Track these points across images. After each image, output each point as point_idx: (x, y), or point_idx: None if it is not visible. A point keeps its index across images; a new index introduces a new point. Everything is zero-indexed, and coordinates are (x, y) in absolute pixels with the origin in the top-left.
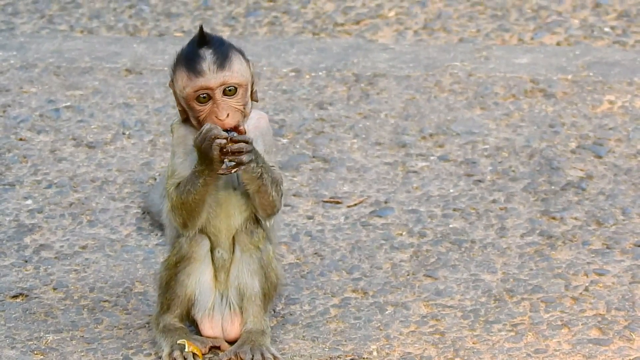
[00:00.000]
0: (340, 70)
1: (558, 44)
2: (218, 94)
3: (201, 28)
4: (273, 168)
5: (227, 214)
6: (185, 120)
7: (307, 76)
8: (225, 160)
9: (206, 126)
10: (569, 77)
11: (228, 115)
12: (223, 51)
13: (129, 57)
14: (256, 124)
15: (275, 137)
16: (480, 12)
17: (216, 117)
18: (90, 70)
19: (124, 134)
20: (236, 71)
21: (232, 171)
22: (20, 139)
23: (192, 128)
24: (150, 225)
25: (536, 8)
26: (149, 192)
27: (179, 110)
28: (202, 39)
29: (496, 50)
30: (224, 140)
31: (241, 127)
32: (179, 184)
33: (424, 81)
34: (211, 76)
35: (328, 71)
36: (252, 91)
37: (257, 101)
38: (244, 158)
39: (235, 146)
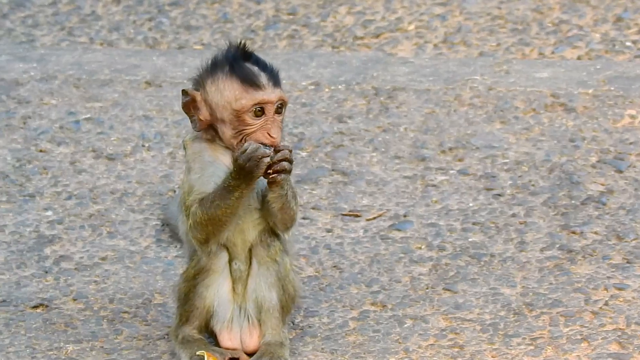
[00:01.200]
0: (360, 84)
1: (579, 58)
2: (273, 110)
3: (243, 44)
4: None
5: (241, 228)
6: (202, 133)
7: (327, 89)
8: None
9: (251, 145)
10: (590, 91)
11: (277, 134)
12: (272, 69)
13: (149, 70)
14: None
15: (295, 150)
16: (500, 26)
17: (268, 133)
18: (110, 82)
19: (143, 146)
20: (284, 90)
21: (278, 179)
22: (41, 151)
23: (206, 143)
24: (169, 237)
25: (557, 22)
26: (168, 205)
27: (199, 120)
28: (246, 54)
29: (516, 64)
30: (268, 159)
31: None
32: (202, 199)
33: (444, 95)
34: (271, 90)
35: (347, 84)
36: None
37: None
38: (286, 166)
39: (280, 155)
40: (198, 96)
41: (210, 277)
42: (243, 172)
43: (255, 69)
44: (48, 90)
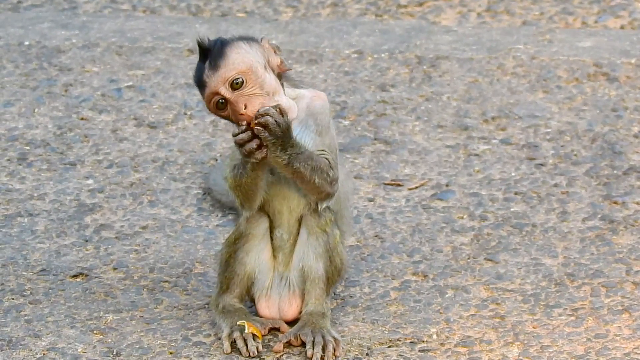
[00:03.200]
0: (403, 52)
1: (622, 27)
2: (227, 93)
3: (198, 43)
4: (321, 153)
5: (284, 195)
6: None
7: (370, 58)
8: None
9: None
10: (633, 61)
11: (245, 106)
12: (216, 52)
13: (191, 38)
14: (309, 104)
15: (337, 119)
16: None
17: (239, 114)
18: (152, 50)
19: (185, 114)
20: (232, 63)
21: (256, 154)
22: (82, 119)
23: None
24: (210, 206)
25: None
26: (210, 173)
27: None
28: (203, 52)
29: (559, 33)
30: (253, 144)
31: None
32: (235, 166)
33: (487, 64)
34: (211, 80)
35: (390, 53)
36: (276, 65)
37: (290, 69)
38: (266, 135)
39: (256, 121)
40: None
41: (250, 242)
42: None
43: (200, 67)
44: (90, 58)
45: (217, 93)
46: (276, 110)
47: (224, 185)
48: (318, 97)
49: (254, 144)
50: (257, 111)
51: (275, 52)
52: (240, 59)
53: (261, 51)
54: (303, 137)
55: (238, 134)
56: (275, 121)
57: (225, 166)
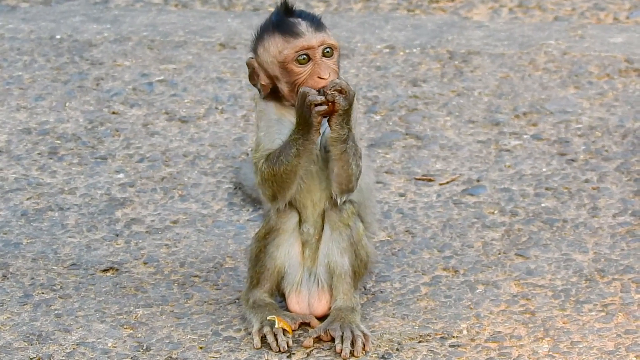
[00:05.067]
0: (435, 48)
1: None
2: (318, 54)
3: (284, 2)
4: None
5: (308, 188)
6: (267, 96)
7: (401, 53)
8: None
9: (303, 89)
10: None
11: (329, 74)
12: (313, 17)
13: (223, 32)
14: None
15: (368, 114)
16: None
17: (319, 76)
18: (184, 44)
19: (217, 108)
20: (330, 34)
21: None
22: (113, 113)
23: (273, 102)
24: (241, 201)
25: None
26: (242, 167)
27: (262, 86)
28: (287, 9)
29: (591, 29)
30: (324, 107)
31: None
32: (268, 155)
33: (518, 59)
34: (311, 36)
35: (422, 48)
36: None
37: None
38: (341, 100)
39: (330, 85)
40: (254, 62)
41: (280, 236)
42: (302, 121)
43: (296, 20)
44: (121, 52)
45: (310, 48)
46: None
47: (254, 178)
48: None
49: (325, 107)
50: (333, 80)
51: None
52: (333, 34)
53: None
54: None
55: (313, 95)
56: (348, 91)
57: (253, 159)
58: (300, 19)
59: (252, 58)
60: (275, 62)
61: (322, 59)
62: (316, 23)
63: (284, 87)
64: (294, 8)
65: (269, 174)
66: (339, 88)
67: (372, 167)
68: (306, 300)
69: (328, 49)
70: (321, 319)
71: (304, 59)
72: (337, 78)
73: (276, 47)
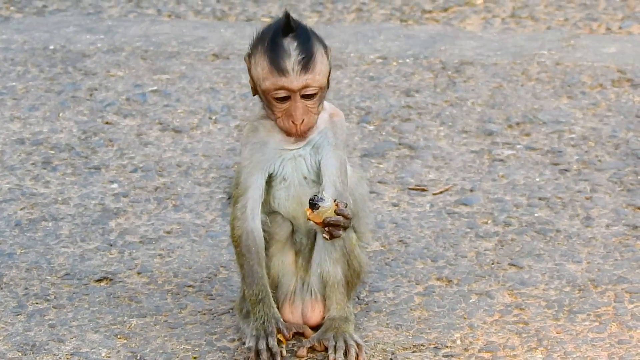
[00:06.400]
0: (428, 58)
1: None
2: (298, 95)
3: (287, 15)
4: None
5: (299, 201)
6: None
7: (394, 63)
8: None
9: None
10: None
11: (303, 120)
12: (308, 48)
13: (216, 42)
14: (329, 118)
15: (361, 124)
16: (568, 0)
17: (292, 121)
18: (177, 54)
19: (210, 118)
20: (318, 73)
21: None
22: (107, 123)
23: (264, 120)
24: None
25: None
26: (234, 177)
27: (252, 87)
28: (288, 27)
29: (584, 39)
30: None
31: (344, 211)
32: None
33: (511, 69)
34: (294, 78)
35: (415, 58)
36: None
37: (326, 88)
38: (340, 233)
39: (334, 219)
40: (248, 63)
41: (274, 247)
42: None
43: (287, 49)
44: (115, 62)
45: (291, 90)
46: (346, 214)
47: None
48: (337, 114)
49: (326, 236)
50: (328, 219)
51: (331, 67)
52: (323, 71)
53: (328, 62)
54: (321, 146)
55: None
56: (343, 226)
57: (233, 195)
58: (292, 48)
59: (248, 57)
60: (259, 85)
61: (301, 101)
62: (305, 61)
63: (265, 104)
64: (294, 25)
65: (233, 241)
66: (335, 225)
67: (366, 177)
68: (299, 309)
69: (311, 93)
70: (315, 328)
71: (282, 97)
72: (317, 114)
73: (262, 71)
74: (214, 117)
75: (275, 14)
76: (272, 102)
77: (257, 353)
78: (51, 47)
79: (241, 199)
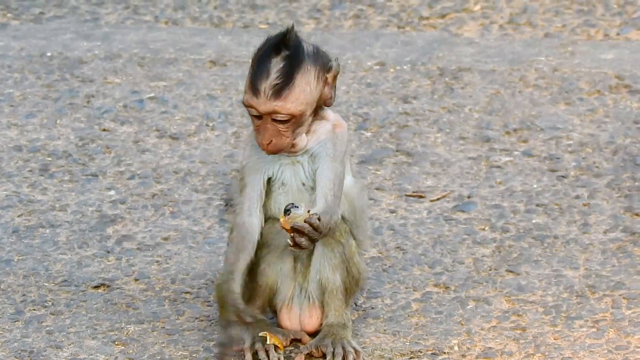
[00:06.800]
0: (425, 64)
1: None
2: (268, 119)
3: (288, 30)
4: (330, 185)
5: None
6: None
7: (392, 70)
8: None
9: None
10: None
11: (271, 142)
12: (290, 73)
13: (214, 49)
14: (331, 129)
15: (359, 130)
16: (566, 7)
17: (262, 141)
18: (174, 61)
19: (207, 125)
20: (292, 101)
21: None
22: (104, 130)
23: None
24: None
25: (622, 3)
26: (232, 183)
27: None
28: (279, 45)
29: (581, 45)
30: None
31: (312, 219)
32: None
33: (509, 76)
34: (263, 101)
35: (413, 65)
36: (326, 98)
37: (330, 105)
38: (303, 241)
39: (299, 225)
40: None
41: (272, 253)
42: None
43: (269, 70)
44: (112, 69)
45: (259, 112)
46: (313, 223)
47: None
48: (340, 125)
49: (290, 242)
50: (295, 224)
51: (333, 83)
52: (300, 99)
53: (321, 86)
54: (319, 156)
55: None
56: (309, 237)
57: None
58: (274, 71)
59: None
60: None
61: (272, 123)
62: (279, 87)
63: None
64: (291, 43)
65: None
66: (300, 231)
67: (365, 185)
68: (297, 316)
69: (281, 119)
70: (313, 335)
71: (255, 115)
72: (295, 137)
73: (245, 81)
74: (211, 124)
75: (272, 21)
76: (250, 116)
77: (254, 356)
78: (48, 54)
79: (240, 197)
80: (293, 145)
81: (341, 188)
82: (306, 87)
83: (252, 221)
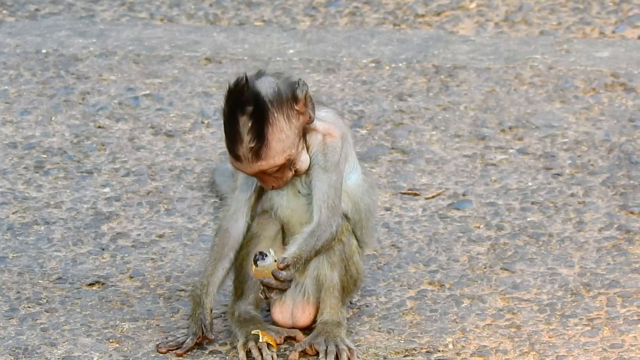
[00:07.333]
0: (420, 62)
1: (639, 37)
2: (261, 174)
3: (244, 84)
4: (324, 198)
5: (291, 207)
6: None
7: (387, 67)
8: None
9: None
10: None
11: (273, 186)
12: (261, 132)
13: (209, 46)
14: (321, 140)
15: (354, 128)
16: (561, 4)
17: (264, 186)
18: (169, 58)
19: (202, 122)
20: (273, 157)
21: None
22: (99, 127)
23: None
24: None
25: (618, 1)
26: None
27: None
28: (241, 101)
29: (577, 43)
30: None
31: (278, 274)
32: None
33: (504, 74)
34: (247, 165)
35: (408, 62)
36: (305, 121)
37: (312, 122)
38: (272, 295)
39: (267, 280)
40: None
41: (262, 244)
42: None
43: (240, 133)
44: (107, 66)
45: (249, 173)
46: (279, 277)
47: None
48: (330, 134)
49: (262, 295)
50: (262, 280)
51: (306, 106)
52: (280, 150)
53: (295, 120)
54: (311, 168)
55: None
56: (279, 288)
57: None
58: (245, 133)
59: None
60: None
61: (266, 174)
62: (257, 149)
63: None
64: (249, 93)
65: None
66: (268, 286)
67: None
68: (290, 310)
69: (268, 172)
70: (301, 330)
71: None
72: (286, 177)
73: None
74: (206, 121)
75: (267, 18)
76: None
77: (248, 354)
78: (43, 50)
79: (229, 198)
80: (296, 172)
81: (338, 196)
82: (281, 135)
83: (237, 226)
